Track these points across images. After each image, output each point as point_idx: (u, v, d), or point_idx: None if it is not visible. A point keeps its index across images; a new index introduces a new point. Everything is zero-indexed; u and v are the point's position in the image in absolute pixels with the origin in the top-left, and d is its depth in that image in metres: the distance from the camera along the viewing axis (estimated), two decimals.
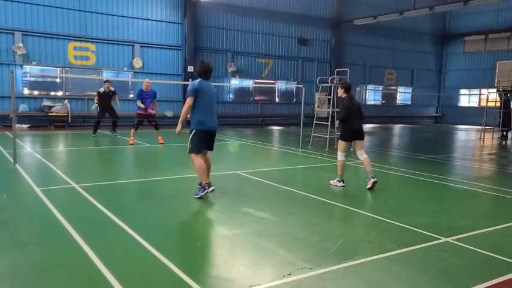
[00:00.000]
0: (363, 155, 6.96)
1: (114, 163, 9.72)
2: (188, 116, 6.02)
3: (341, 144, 7.05)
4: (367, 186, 6.72)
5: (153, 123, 12.26)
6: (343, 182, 7.00)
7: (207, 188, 5.86)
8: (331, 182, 7.12)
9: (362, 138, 7.02)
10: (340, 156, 7.03)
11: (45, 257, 3.82)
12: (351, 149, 7.41)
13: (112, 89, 13.85)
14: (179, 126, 6.02)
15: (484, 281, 3.47)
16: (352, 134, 6.97)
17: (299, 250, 4.06)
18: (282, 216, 5.26)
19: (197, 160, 5.91)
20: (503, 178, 8.84)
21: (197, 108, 5.92)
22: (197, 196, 5.84)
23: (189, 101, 5.87)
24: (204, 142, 6.00)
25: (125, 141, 12.80)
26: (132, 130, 11.91)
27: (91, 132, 13.85)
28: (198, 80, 6.02)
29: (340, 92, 7.05)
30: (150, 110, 11.96)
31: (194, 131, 5.94)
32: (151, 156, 10.83)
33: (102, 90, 13.71)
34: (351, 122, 6.90)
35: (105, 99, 13.70)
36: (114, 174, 8.00)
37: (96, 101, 13.86)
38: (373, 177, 6.74)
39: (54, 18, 16.41)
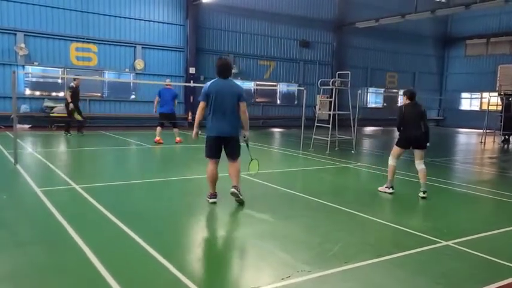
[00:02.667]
0: (419, 165, 6.70)
1: (115, 164, 9.72)
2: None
3: (394, 149, 6.91)
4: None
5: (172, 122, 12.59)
6: (393, 189, 6.80)
7: (208, 197, 5.72)
8: (380, 188, 6.91)
9: (420, 148, 6.67)
10: (390, 160, 6.89)
11: (45, 257, 3.81)
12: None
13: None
14: (194, 131, 5.82)
15: (484, 285, 3.45)
16: (408, 142, 6.76)
17: (299, 252, 4.05)
18: (282, 218, 5.25)
19: (208, 167, 5.69)
20: (504, 182, 8.82)
21: (209, 113, 5.56)
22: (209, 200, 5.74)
23: (200, 105, 5.58)
24: (214, 149, 5.64)
25: (125, 142, 12.82)
26: (158, 128, 12.23)
27: (92, 133, 13.87)
28: (210, 82, 5.63)
29: (404, 100, 6.87)
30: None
31: (206, 136, 5.70)
32: (152, 157, 10.83)
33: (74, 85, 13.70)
34: (407, 129, 6.71)
35: (77, 96, 13.68)
36: (115, 175, 8.00)
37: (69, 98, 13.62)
38: (423, 191, 6.52)
39: (57, 19, 16.45)
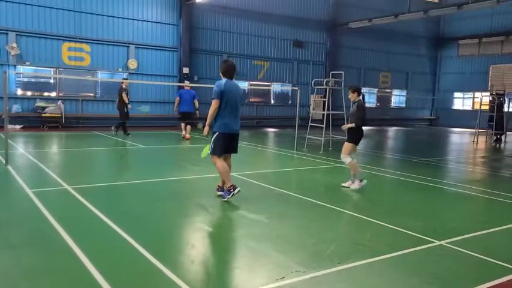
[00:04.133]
0: (356, 157, 7.14)
1: (108, 165, 9.66)
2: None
3: (349, 146, 7.02)
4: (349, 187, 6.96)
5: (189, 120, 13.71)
6: (363, 181, 6.96)
7: (232, 190, 5.79)
8: (348, 185, 6.99)
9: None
10: (348, 158, 7.00)
11: (36, 259, 3.77)
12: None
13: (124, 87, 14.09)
14: (206, 129, 6.06)
15: (477, 284, 3.47)
16: (361, 137, 7.09)
17: (293, 253, 4.04)
18: (276, 218, 5.24)
19: (220, 163, 5.85)
20: (496, 181, 8.89)
21: (222, 111, 5.74)
22: (224, 199, 5.83)
23: (214, 103, 5.70)
24: (227, 145, 5.88)
25: (117, 143, 12.74)
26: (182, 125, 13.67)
27: (85, 133, 13.78)
28: (224, 81, 5.79)
29: (354, 96, 6.94)
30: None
31: (217, 133, 5.82)
32: (146, 157, 10.78)
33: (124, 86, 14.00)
34: (361, 127, 6.94)
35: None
36: (108, 176, 7.95)
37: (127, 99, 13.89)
38: (358, 180, 6.91)
39: (49, 19, 16.31)
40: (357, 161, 7.18)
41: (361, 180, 6.93)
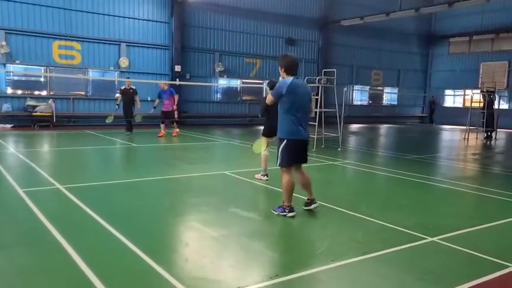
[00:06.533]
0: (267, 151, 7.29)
1: (100, 164, 9.60)
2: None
3: (264, 140, 7.24)
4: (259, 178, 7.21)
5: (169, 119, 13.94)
6: (267, 176, 7.24)
7: (286, 211, 5.10)
8: (256, 176, 7.34)
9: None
10: (264, 151, 7.24)
11: (28, 259, 3.74)
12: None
13: (133, 87, 14.08)
14: (264, 141, 6.00)
15: (469, 280, 3.51)
16: (272, 130, 7.02)
17: (287, 251, 4.05)
18: (269, 216, 5.25)
19: (287, 176, 5.08)
20: (486, 178, 8.98)
21: (289, 113, 4.95)
22: (275, 212, 5.19)
23: (269, 98, 5.19)
24: (296, 154, 5.08)
25: (110, 141, 12.67)
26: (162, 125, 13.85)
27: (76, 132, 13.69)
28: (289, 80, 4.93)
29: (268, 90, 7.22)
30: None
31: (285, 141, 5.01)
32: (138, 156, 10.73)
33: (123, 87, 14.05)
34: (272, 118, 6.97)
35: (126, 96, 13.78)
36: (100, 175, 7.90)
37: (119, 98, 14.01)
38: (264, 175, 7.21)
39: (38, 17, 16.14)
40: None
41: (265, 175, 7.26)
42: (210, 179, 7.44)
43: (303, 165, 5.36)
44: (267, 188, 6.85)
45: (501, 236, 4.89)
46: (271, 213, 5.34)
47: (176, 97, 14.00)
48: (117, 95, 13.99)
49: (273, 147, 7.40)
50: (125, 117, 13.88)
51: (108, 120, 14.02)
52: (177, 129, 14.08)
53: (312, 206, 5.29)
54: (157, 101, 13.77)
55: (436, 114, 28.22)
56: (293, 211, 5.11)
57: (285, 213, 5.11)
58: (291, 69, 5.02)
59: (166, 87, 13.85)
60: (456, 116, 25.54)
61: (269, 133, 7.17)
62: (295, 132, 4.99)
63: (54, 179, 6.82)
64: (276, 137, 5.38)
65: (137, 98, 13.81)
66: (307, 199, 5.33)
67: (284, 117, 5.00)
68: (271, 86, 7.14)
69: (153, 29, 18.72)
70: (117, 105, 14.01)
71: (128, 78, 14.77)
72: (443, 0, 19.73)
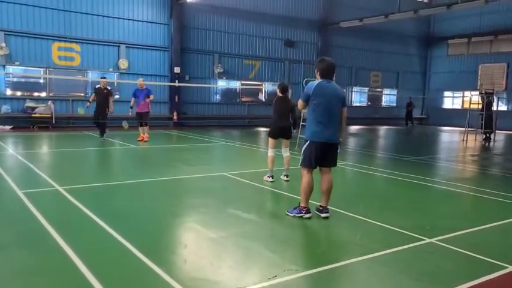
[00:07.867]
0: (285, 153, 7.45)
1: (99, 165, 9.61)
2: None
3: (269, 141, 7.33)
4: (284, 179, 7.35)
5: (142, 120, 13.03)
6: (273, 178, 7.30)
7: (303, 212, 5.12)
8: (264, 177, 7.38)
9: (287, 137, 7.35)
10: (270, 152, 7.32)
11: (27, 260, 3.75)
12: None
13: (108, 87, 13.46)
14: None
15: (466, 281, 3.52)
16: (278, 132, 7.26)
17: (285, 252, 4.07)
18: (268, 217, 5.26)
19: (306, 177, 5.12)
20: (485, 179, 9.01)
21: (313, 115, 5.03)
22: (290, 214, 5.20)
23: (299, 102, 5.23)
24: (317, 156, 5.05)
25: (108, 143, 12.68)
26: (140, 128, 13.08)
27: (75, 134, 13.67)
28: (316, 82, 5.07)
29: (278, 92, 7.39)
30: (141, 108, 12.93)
31: (308, 142, 5.08)
32: (137, 158, 10.74)
33: (97, 86, 13.43)
34: (279, 120, 7.21)
35: (100, 96, 13.00)
36: (99, 177, 7.91)
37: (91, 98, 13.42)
38: (286, 175, 7.35)
39: (38, 18, 16.17)
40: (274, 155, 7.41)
41: (270, 176, 7.32)
42: (209, 180, 7.45)
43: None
44: (267, 189, 6.86)
45: (499, 237, 4.90)
46: (270, 215, 5.35)
47: (151, 97, 13.02)
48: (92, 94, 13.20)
49: (279, 149, 7.49)
50: (95, 118, 13.05)
51: (125, 126, 13.45)
52: (147, 135, 12.93)
53: (322, 215, 5.19)
54: (132, 100, 12.97)
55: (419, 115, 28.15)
56: (309, 212, 5.12)
57: (301, 215, 5.11)
58: (325, 74, 5.09)
59: (144, 87, 13.03)
60: (455, 117, 25.59)
61: (274, 134, 7.24)
62: (319, 134, 5.02)
63: (53, 180, 6.83)
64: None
65: (111, 100, 13.04)
66: (319, 205, 5.26)
67: (309, 119, 5.09)
68: (282, 88, 7.32)
69: (153, 31, 18.75)
70: (89, 102, 13.32)
71: (104, 78, 13.78)
72: (442, 2, 19.80)
